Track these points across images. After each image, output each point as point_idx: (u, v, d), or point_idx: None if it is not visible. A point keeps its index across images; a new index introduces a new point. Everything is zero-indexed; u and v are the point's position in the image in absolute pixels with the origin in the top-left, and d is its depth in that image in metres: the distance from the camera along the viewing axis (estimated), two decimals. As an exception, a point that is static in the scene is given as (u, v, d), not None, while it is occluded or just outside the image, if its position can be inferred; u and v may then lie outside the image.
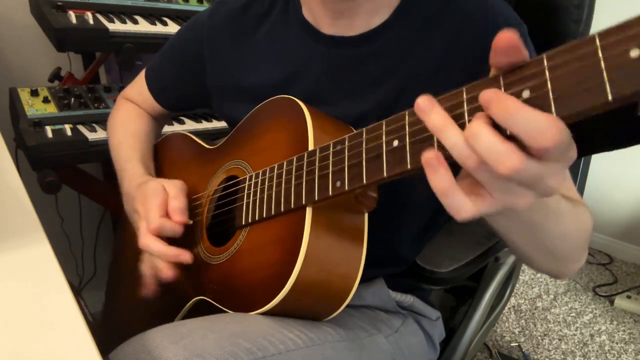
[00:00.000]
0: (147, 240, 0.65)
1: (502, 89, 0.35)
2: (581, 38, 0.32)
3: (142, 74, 0.91)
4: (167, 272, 0.65)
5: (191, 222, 0.70)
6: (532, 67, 0.34)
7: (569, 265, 0.56)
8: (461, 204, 0.37)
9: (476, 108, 0.37)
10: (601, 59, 0.31)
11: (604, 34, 0.31)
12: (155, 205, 0.66)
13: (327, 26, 0.68)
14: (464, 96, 0.38)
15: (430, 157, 0.37)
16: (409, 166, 0.42)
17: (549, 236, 0.49)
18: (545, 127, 0.32)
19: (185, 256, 0.64)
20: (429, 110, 0.37)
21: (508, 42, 0.35)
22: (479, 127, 0.35)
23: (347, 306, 0.64)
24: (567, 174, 0.60)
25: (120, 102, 0.94)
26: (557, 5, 0.79)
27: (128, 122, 0.89)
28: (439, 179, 0.36)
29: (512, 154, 0.33)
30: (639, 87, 0.30)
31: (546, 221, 0.47)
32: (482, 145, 0.34)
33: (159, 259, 0.65)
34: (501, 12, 0.62)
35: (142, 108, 0.92)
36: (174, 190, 0.68)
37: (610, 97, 0.30)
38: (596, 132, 0.61)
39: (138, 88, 0.91)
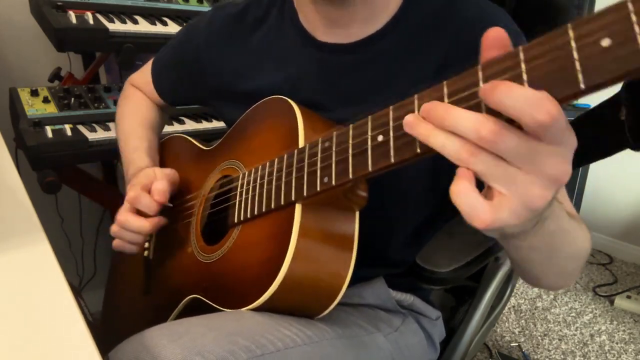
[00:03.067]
0: (122, 213, 0.71)
1: (481, 81, 0.36)
2: (556, 29, 0.33)
3: (149, 63, 0.92)
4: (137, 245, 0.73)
5: (170, 205, 0.73)
6: (509, 59, 0.35)
7: (573, 279, 0.57)
8: (476, 205, 0.36)
9: (457, 101, 0.37)
10: (574, 49, 0.31)
11: (576, 25, 0.32)
12: (139, 184, 0.71)
13: (322, 33, 0.68)
14: (445, 90, 0.39)
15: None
16: (392, 160, 0.43)
17: (564, 258, 0.50)
18: (540, 100, 0.32)
19: (162, 221, 0.71)
20: (416, 125, 0.38)
21: (496, 35, 0.35)
22: (457, 110, 0.35)
23: (346, 305, 0.64)
24: (563, 190, 0.61)
25: (129, 90, 0.96)
26: (557, 5, 0.79)
27: (138, 111, 0.91)
28: (457, 182, 0.36)
29: (489, 119, 0.33)
30: (610, 75, 0.30)
31: (564, 244, 0.48)
32: (463, 123, 0.35)
33: (133, 234, 0.71)
34: (499, 20, 0.62)
35: (148, 97, 0.94)
36: (160, 175, 0.74)
37: (582, 86, 0.31)
38: (585, 141, 0.61)
39: (145, 78, 0.92)
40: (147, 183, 0.72)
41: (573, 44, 0.31)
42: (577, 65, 0.31)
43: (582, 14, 0.77)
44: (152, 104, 0.93)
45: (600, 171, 2.39)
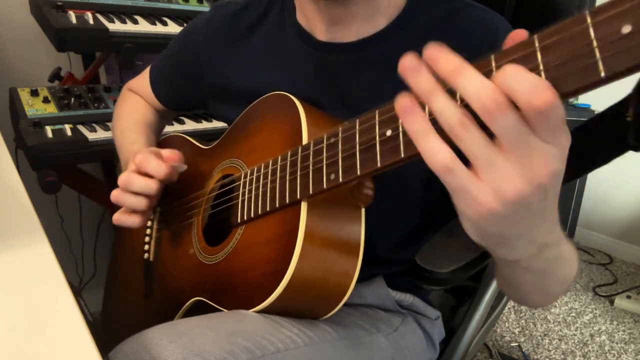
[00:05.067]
0: (127, 175, 0.67)
1: (494, 71, 0.35)
2: (572, 17, 0.32)
3: (148, 69, 0.92)
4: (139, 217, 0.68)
5: (185, 166, 0.70)
6: (523, 49, 0.34)
7: (554, 300, 0.57)
8: (435, 147, 0.36)
9: None
10: (593, 36, 0.31)
11: (595, 12, 0.31)
12: (147, 150, 0.69)
13: (322, 32, 0.68)
14: None
15: (404, 102, 0.37)
16: (402, 155, 0.42)
17: (554, 281, 0.50)
18: (540, 87, 0.31)
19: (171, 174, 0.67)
20: (417, 71, 0.38)
21: (520, 38, 0.35)
22: (469, 69, 0.35)
23: (347, 305, 0.64)
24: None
25: (127, 93, 0.96)
26: (557, 5, 0.79)
27: (134, 111, 0.91)
28: (414, 122, 0.37)
29: (497, 91, 0.33)
30: (632, 63, 0.29)
31: (556, 269, 0.47)
32: (472, 84, 0.34)
33: (137, 198, 0.67)
34: (501, 29, 0.62)
35: (147, 102, 0.93)
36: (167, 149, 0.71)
37: (603, 75, 0.30)
38: (590, 148, 0.60)
39: (143, 83, 0.92)
40: (155, 151, 0.69)
41: (592, 31, 0.31)
42: (597, 52, 0.30)
43: (583, 14, 0.77)
44: (150, 106, 0.93)
45: (600, 171, 2.38)
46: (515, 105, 0.33)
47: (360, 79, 0.66)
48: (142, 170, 0.67)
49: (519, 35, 0.35)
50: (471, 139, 0.34)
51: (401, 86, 0.63)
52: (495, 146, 0.34)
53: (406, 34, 0.65)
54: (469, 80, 0.34)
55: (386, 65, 0.65)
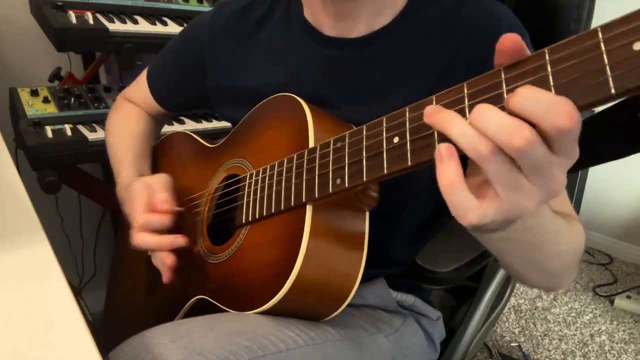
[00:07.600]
0: (138, 238, 0.66)
1: (503, 83, 0.35)
2: (583, 31, 0.32)
3: (144, 74, 0.90)
4: (170, 260, 0.66)
5: (181, 209, 0.71)
6: (533, 61, 0.34)
7: (563, 280, 0.56)
8: (467, 204, 0.36)
9: (477, 103, 0.36)
10: (604, 52, 0.31)
11: (607, 27, 0.31)
12: (140, 205, 0.68)
13: (329, 28, 0.68)
14: (465, 91, 0.38)
15: (442, 150, 0.36)
16: (409, 163, 0.42)
17: (546, 256, 0.50)
18: (562, 105, 0.31)
19: (179, 240, 0.66)
20: (435, 112, 0.37)
21: (512, 43, 0.35)
22: (485, 107, 0.34)
23: (348, 305, 0.65)
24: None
25: (120, 102, 0.95)
26: (558, 5, 0.79)
27: (125, 123, 0.90)
28: (447, 173, 0.36)
29: (524, 127, 0.32)
30: None
31: (544, 241, 0.47)
32: (491, 124, 0.33)
33: (159, 251, 0.67)
34: (504, 19, 0.62)
35: (142, 108, 0.92)
36: (157, 185, 0.71)
37: (613, 91, 0.30)
38: (598, 141, 0.60)
39: (139, 88, 0.91)
40: (146, 201, 0.69)
41: (603, 47, 0.31)
42: (608, 69, 0.30)
43: (582, 13, 0.77)
44: (143, 113, 0.92)
45: (600, 171, 2.39)
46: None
47: (368, 73, 0.66)
48: (151, 230, 0.67)
49: (509, 39, 0.35)
50: (497, 164, 0.35)
51: (408, 80, 0.63)
52: (519, 170, 0.34)
53: (412, 27, 0.65)
54: (457, 126, 0.35)
55: (393, 59, 0.65)
